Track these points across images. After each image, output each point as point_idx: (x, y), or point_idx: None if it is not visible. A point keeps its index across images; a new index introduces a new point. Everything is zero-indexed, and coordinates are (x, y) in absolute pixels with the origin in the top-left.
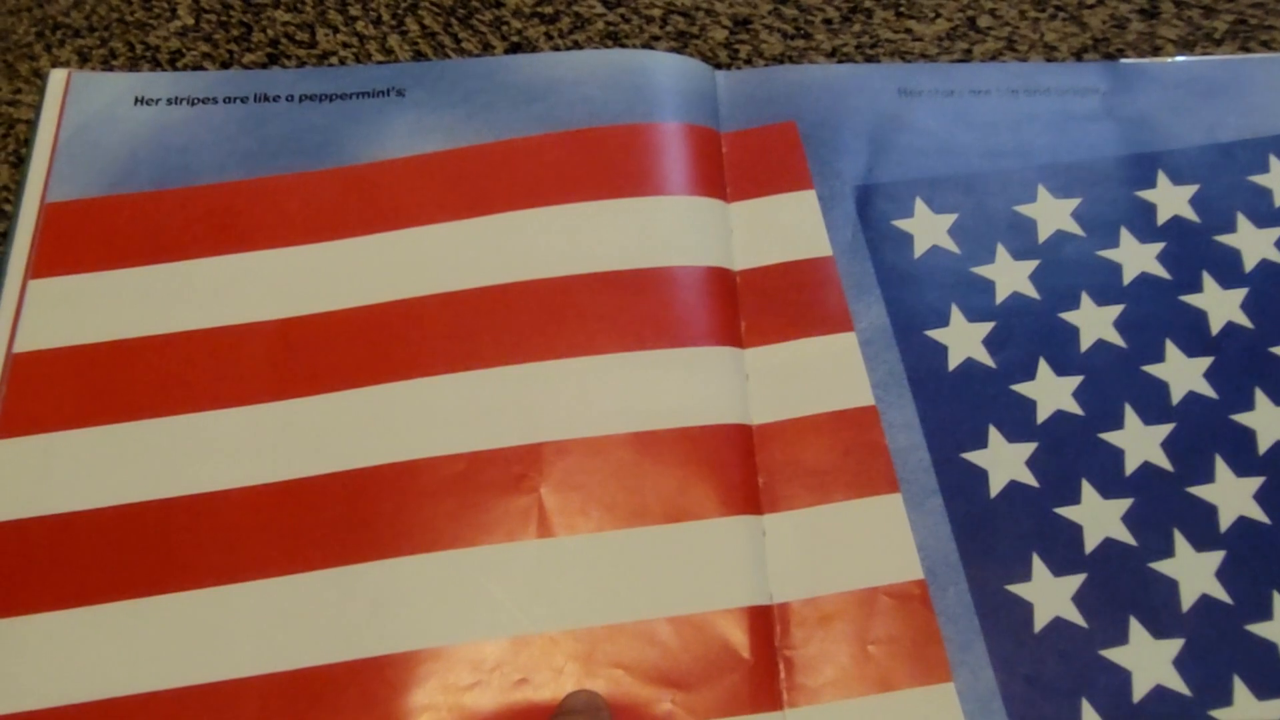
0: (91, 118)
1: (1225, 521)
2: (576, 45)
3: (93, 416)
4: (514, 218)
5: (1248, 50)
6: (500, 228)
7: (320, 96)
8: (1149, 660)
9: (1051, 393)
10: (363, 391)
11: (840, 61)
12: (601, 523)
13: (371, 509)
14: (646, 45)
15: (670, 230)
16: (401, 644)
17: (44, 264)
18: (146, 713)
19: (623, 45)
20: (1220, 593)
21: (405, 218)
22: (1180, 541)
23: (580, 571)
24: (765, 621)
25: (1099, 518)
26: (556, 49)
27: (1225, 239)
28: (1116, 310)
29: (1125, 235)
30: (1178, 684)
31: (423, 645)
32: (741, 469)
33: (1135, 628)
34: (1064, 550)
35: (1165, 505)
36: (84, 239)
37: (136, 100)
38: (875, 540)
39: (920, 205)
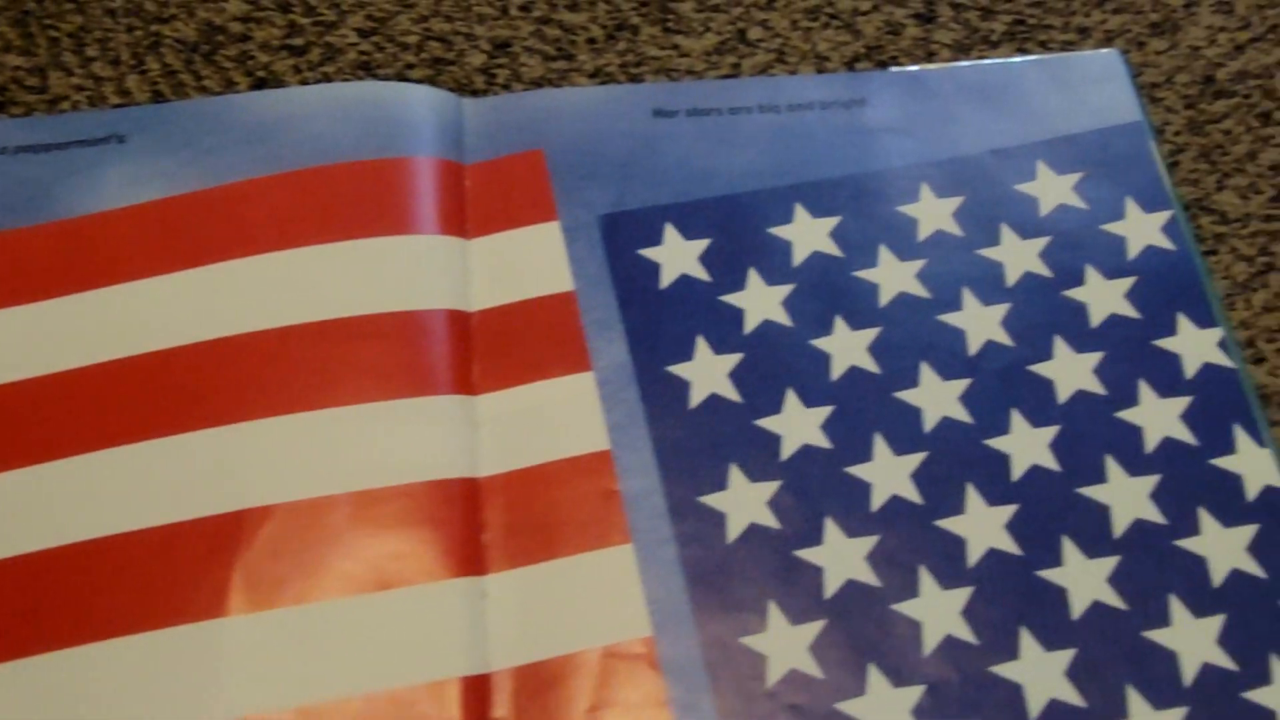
0: None
1: (974, 555)
2: (326, 78)
3: None
4: (233, 267)
5: (1024, 52)
6: (218, 278)
7: (37, 147)
8: (888, 711)
9: (798, 426)
10: (57, 465)
11: (603, 82)
12: (303, 595)
13: (57, 595)
14: (400, 74)
15: (400, 273)
16: None
17: None
18: None
19: (376, 75)
20: (966, 633)
21: (118, 273)
22: (927, 580)
23: (275, 650)
24: (481, 692)
25: (842, 558)
26: (305, 83)
27: (988, 252)
28: (871, 334)
29: (884, 253)
30: None
31: None
32: (464, 527)
33: (875, 676)
34: (803, 596)
35: (912, 541)
36: None
37: None
38: (603, 596)
39: (671, 232)
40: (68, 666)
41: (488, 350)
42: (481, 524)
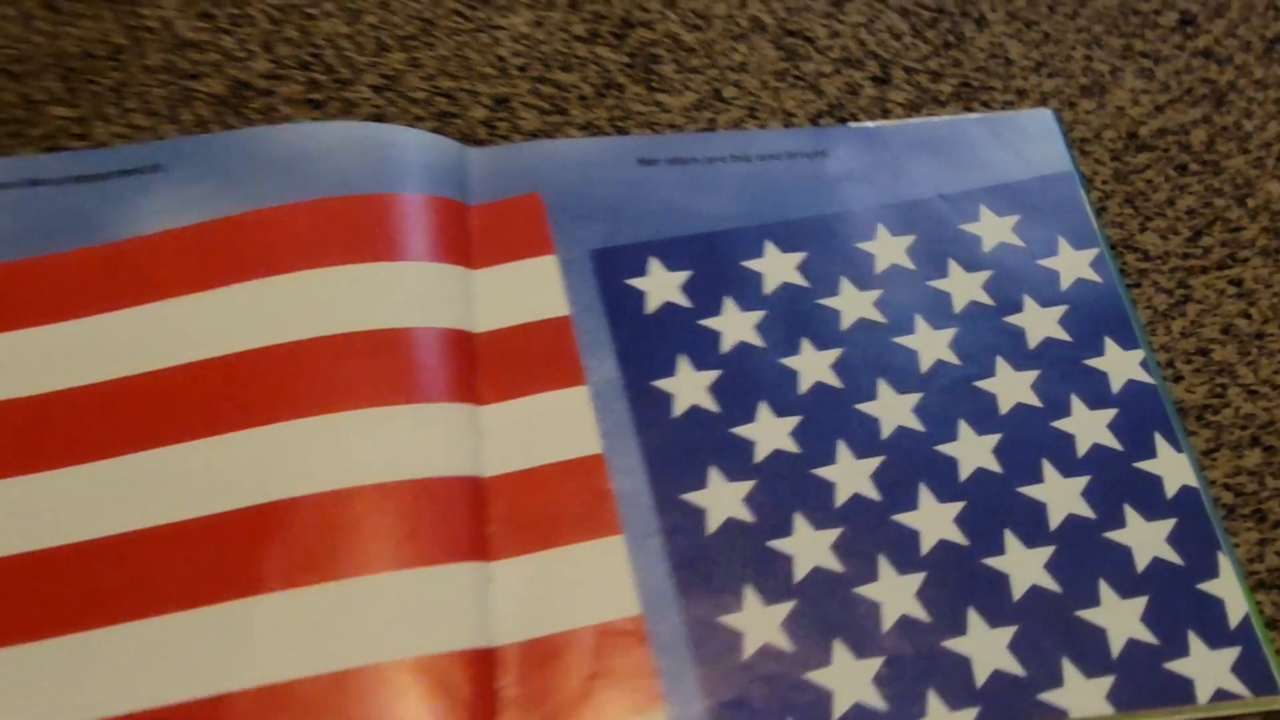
0: None
1: (926, 545)
2: None
3: None
4: (262, 284)
5: (969, 110)
6: (248, 295)
7: (83, 178)
8: (850, 680)
9: (770, 433)
10: (109, 463)
11: (593, 134)
12: (327, 574)
13: (110, 578)
14: (410, 126)
15: (409, 294)
16: (142, 702)
17: None
18: None
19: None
20: (920, 612)
21: (158, 290)
22: (884, 566)
23: (304, 623)
24: (486, 663)
25: (809, 548)
26: None
27: (937, 284)
28: (834, 354)
29: (845, 284)
30: (876, 700)
31: (161, 702)
32: (470, 518)
33: (838, 649)
34: (775, 580)
35: (872, 533)
36: None
37: None
38: (597, 580)
39: (655, 264)
40: (128, 637)
41: (491, 366)
42: (486, 518)
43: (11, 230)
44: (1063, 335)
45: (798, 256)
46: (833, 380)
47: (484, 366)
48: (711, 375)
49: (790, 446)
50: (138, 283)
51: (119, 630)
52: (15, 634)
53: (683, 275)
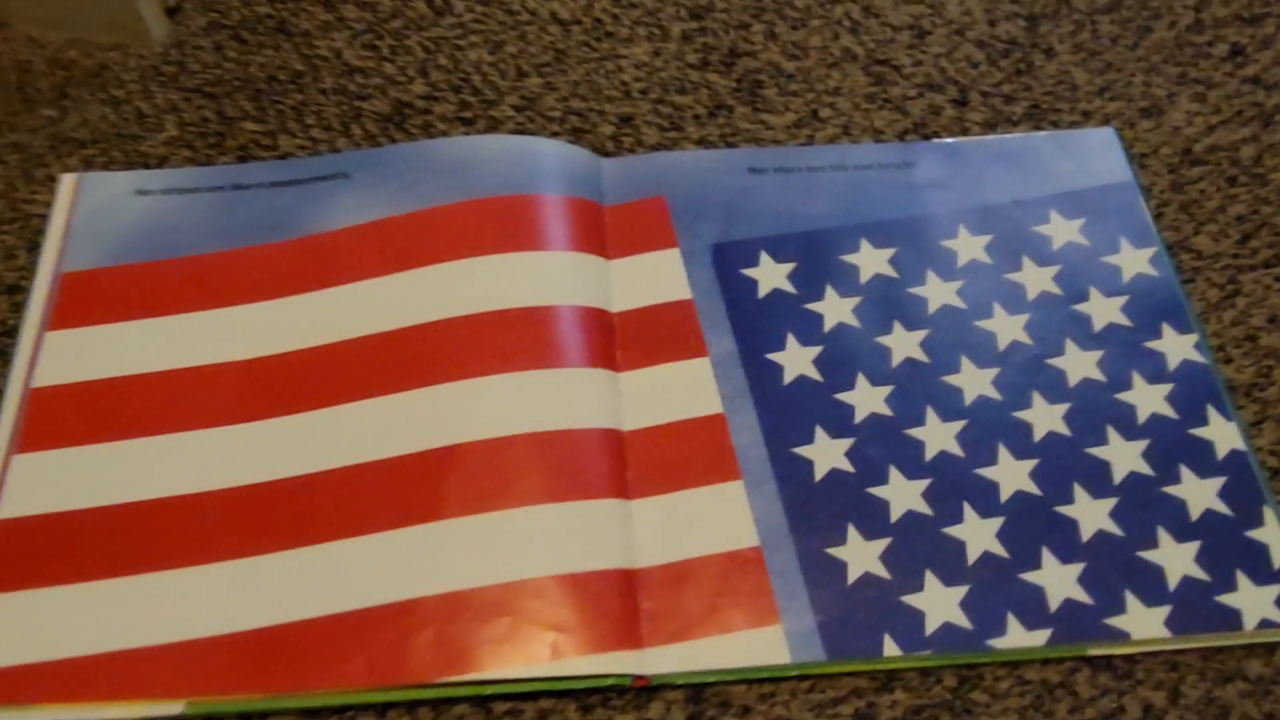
0: (100, 206)
1: (1005, 494)
2: None
3: (94, 436)
4: (433, 270)
5: (1039, 129)
6: (421, 278)
7: (283, 183)
8: (939, 603)
9: (867, 399)
10: (313, 414)
11: (705, 148)
12: (495, 504)
13: (318, 504)
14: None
15: (555, 278)
16: (347, 605)
17: (59, 319)
18: (136, 661)
19: None
20: (999, 549)
21: (347, 275)
22: (969, 510)
23: (479, 543)
24: (629, 581)
25: (903, 494)
26: None
27: (1013, 276)
28: (922, 334)
29: (931, 276)
30: (962, 620)
31: (363, 605)
32: (612, 463)
33: (930, 578)
34: (873, 520)
35: (957, 483)
36: (94, 299)
37: (138, 192)
38: (721, 517)
39: (765, 257)
40: (339, 552)
41: (626, 339)
42: (626, 463)
43: (224, 225)
44: (1124, 321)
45: (889, 252)
46: (921, 356)
47: (620, 340)
48: (815, 350)
49: (885, 410)
50: (332, 268)
51: (332, 546)
52: (253, 547)
53: (789, 266)
